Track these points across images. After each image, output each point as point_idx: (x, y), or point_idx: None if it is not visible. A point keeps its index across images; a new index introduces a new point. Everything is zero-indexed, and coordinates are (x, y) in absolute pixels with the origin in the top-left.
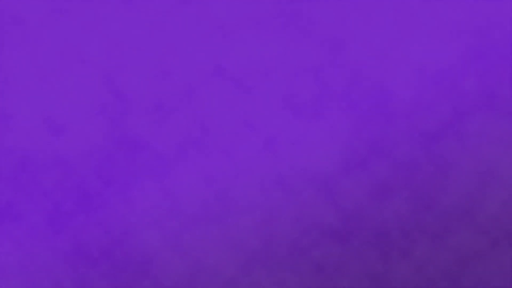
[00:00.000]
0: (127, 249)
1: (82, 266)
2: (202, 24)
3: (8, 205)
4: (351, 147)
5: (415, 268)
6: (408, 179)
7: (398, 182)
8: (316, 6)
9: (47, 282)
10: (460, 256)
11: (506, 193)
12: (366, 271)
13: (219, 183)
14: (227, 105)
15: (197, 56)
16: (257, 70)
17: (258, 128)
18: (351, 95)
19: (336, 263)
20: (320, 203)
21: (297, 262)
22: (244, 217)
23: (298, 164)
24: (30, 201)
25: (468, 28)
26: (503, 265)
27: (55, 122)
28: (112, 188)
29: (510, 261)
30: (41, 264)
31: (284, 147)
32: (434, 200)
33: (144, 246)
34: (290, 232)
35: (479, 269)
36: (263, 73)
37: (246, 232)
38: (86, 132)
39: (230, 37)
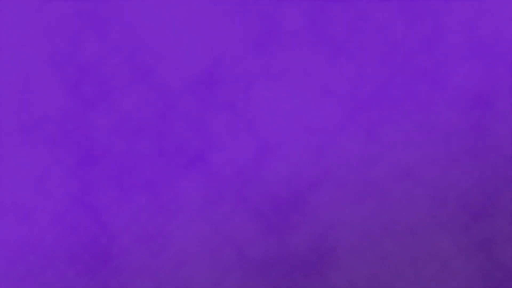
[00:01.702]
0: (125, 249)
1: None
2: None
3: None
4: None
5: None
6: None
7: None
8: (313, 8)
9: None
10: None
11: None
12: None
13: (216, 183)
14: (222, 105)
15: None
16: (256, 68)
17: (255, 129)
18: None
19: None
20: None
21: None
22: (243, 218)
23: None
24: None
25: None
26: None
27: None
28: (113, 185)
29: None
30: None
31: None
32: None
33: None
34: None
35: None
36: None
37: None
38: None
39: (222, 40)
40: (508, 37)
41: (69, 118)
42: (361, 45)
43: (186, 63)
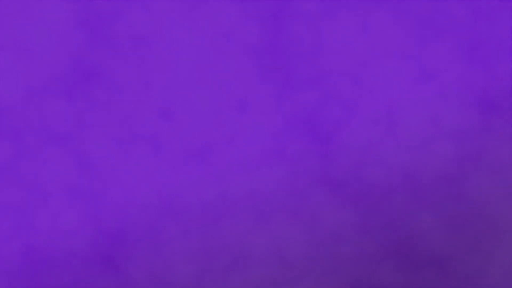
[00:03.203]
0: (126, 249)
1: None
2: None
3: None
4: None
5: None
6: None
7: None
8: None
9: None
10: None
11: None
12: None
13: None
14: (222, 105)
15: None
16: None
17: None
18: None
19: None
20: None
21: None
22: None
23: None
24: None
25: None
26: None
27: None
28: (114, 188)
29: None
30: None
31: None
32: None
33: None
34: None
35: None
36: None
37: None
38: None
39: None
40: (509, 37)
41: (69, 119)
42: (361, 46)
43: (186, 62)
